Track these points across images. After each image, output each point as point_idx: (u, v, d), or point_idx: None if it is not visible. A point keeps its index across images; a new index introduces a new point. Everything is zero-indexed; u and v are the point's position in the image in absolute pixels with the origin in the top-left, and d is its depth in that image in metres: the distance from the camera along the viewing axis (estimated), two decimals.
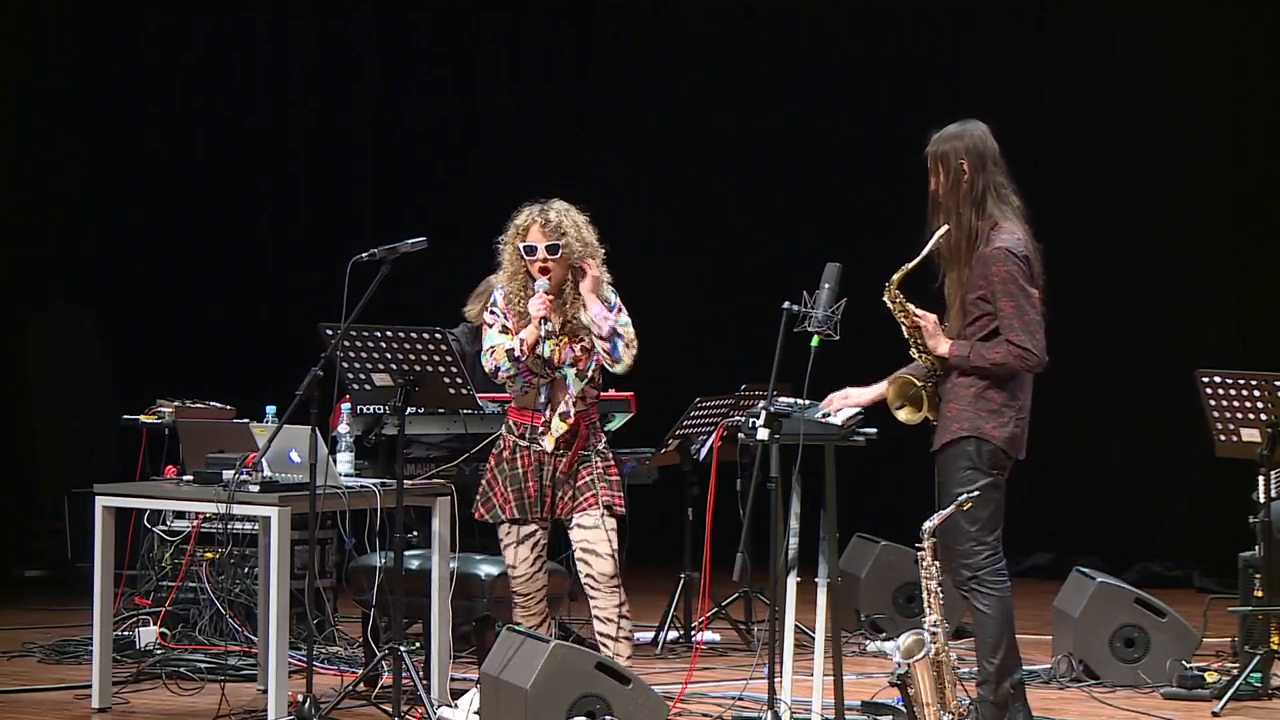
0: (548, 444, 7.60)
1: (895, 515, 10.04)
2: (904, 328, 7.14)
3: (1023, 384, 7.11)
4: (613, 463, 7.67)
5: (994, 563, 7.08)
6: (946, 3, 13.15)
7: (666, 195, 13.45)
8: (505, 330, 7.62)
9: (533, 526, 7.66)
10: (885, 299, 7.08)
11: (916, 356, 7.18)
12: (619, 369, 7.58)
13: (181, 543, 9.39)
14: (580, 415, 7.61)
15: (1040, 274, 7.11)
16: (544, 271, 7.56)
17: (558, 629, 8.35)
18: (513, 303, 7.63)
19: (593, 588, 7.57)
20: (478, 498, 7.74)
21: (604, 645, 7.52)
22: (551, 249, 7.56)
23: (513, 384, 7.64)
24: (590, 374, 7.62)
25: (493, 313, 7.69)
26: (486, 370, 7.67)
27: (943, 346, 7.09)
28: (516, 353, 7.55)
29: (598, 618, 7.59)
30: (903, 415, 7.20)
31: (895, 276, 7.05)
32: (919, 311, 7.11)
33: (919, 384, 7.15)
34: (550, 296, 7.54)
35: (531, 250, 7.57)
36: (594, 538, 7.56)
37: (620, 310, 7.61)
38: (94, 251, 12.81)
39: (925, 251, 7.05)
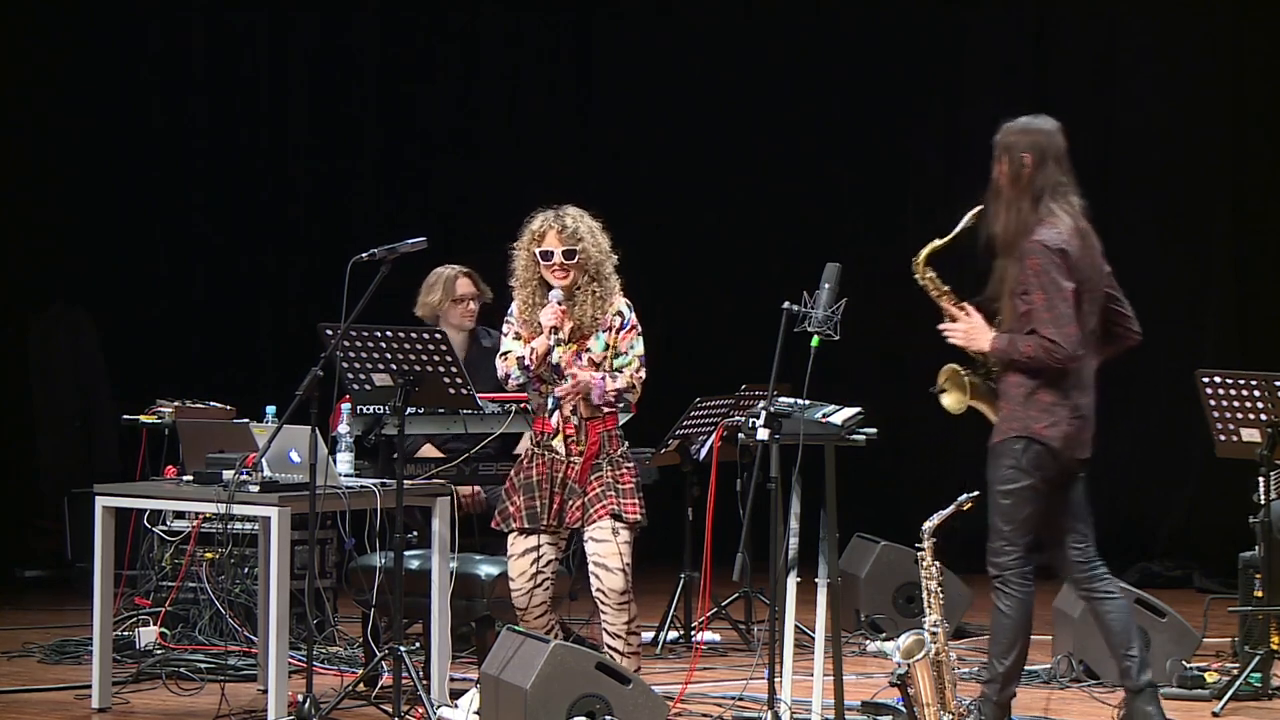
0: (559, 446, 7.59)
1: (895, 515, 10.05)
2: (943, 308, 7.09)
3: (1078, 383, 7.06)
4: (626, 470, 7.60)
5: (1021, 565, 7.04)
6: (947, 3, 13.15)
7: (667, 194, 13.44)
8: (519, 337, 7.63)
9: (538, 540, 7.62)
10: (915, 276, 7.05)
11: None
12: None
13: (181, 543, 9.39)
14: (593, 423, 7.59)
15: (1091, 268, 7.04)
16: (560, 275, 7.55)
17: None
18: (524, 311, 7.63)
19: (603, 603, 7.56)
20: (498, 505, 7.75)
21: (612, 659, 7.50)
22: (568, 254, 7.54)
23: (526, 390, 7.65)
24: None
25: (508, 320, 7.69)
26: (499, 376, 7.67)
27: (986, 342, 7.06)
28: (526, 361, 7.55)
29: (607, 632, 7.59)
30: (947, 400, 7.15)
31: (922, 252, 7.03)
32: (962, 308, 7.07)
33: (964, 372, 7.12)
34: (562, 309, 7.53)
35: (548, 255, 7.55)
36: (605, 552, 7.53)
37: (633, 329, 7.58)
38: (94, 251, 12.80)
39: (957, 230, 7.02)
